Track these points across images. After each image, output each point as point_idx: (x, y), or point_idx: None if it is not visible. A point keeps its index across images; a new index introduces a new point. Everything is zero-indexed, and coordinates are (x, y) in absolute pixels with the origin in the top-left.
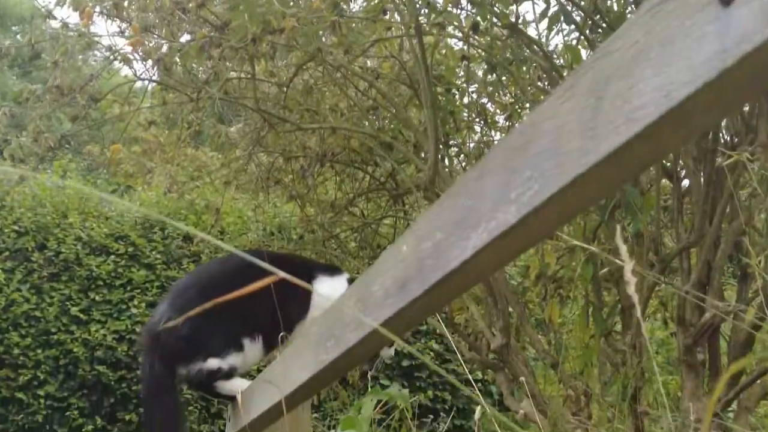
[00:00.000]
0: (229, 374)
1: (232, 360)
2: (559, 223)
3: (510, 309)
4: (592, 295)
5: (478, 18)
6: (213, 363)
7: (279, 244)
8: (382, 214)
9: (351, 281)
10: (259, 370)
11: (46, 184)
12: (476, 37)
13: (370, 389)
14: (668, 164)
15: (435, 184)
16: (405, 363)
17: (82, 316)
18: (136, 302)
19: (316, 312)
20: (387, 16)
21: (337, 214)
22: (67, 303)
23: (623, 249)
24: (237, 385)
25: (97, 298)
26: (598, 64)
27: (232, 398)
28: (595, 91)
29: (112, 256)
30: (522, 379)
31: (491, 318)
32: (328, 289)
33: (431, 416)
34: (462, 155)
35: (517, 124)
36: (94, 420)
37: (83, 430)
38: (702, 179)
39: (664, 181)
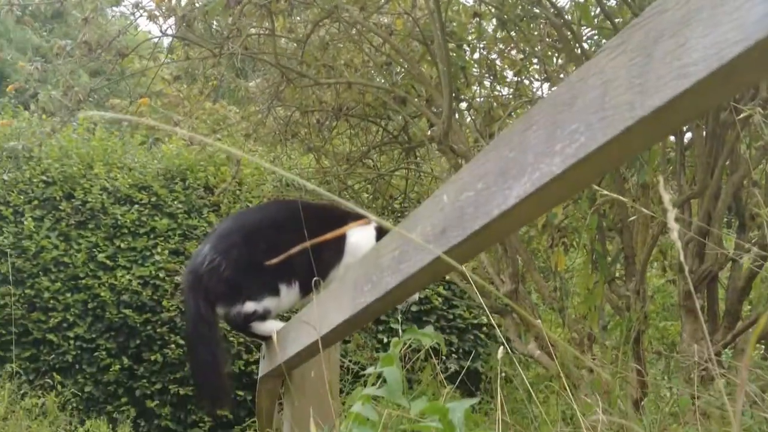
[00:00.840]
0: (264, 316)
1: (268, 303)
2: (602, 173)
3: (517, 256)
4: (597, 244)
5: None
6: (250, 306)
7: (295, 195)
8: (394, 166)
9: (378, 230)
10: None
11: (72, 136)
12: None
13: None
14: None
15: (449, 137)
16: (414, 308)
17: (108, 262)
18: (159, 249)
19: (349, 258)
20: None
21: (351, 166)
22: (94, 250)
23: (666, 198)
24: (271, 327)
25: (122, 245)
26: (649, 22)
27: (266, 338)
28: (646, 48)
29: (136, 206)
30: (538, 322)
31: (499, 265)
32: (359, 237)
33: (443, 357)
34: (472, 109)
35: (559, 84)
36: (121, 360)
37: (111, 369)
38: (705, 133)
39: None
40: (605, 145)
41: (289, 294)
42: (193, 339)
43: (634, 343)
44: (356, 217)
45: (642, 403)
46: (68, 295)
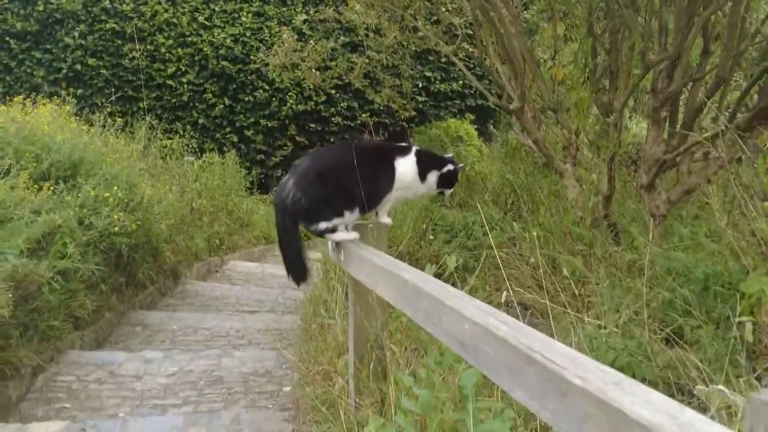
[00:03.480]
0: (333, 230)
1: (336, 221)
2: None
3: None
4: (589, 60)
5: None
6: (323, 225)
7: None
8: None
9: (417, 154)
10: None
11: None
12: None
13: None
14: None
15: None
16: (443, 59)
17: (206, 22)
18: (244, 12)
19: (398, 185)
20: None
21: None
22: (195, 13)
23: None
24: (340, 236)
25: (216, 8)
26: None
27: (337, 242)
28: None
29: None
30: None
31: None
32: (403, 168)
33: (459, 100)
34: None
35: None
36: (223, 100)
37: (216, 107)
38: None
39: None
40: None
41: (351, 215)
42: (283, 244)
43: (610, 161)
44: (400, 150)
45: (611, 198)
46: (179, 49)
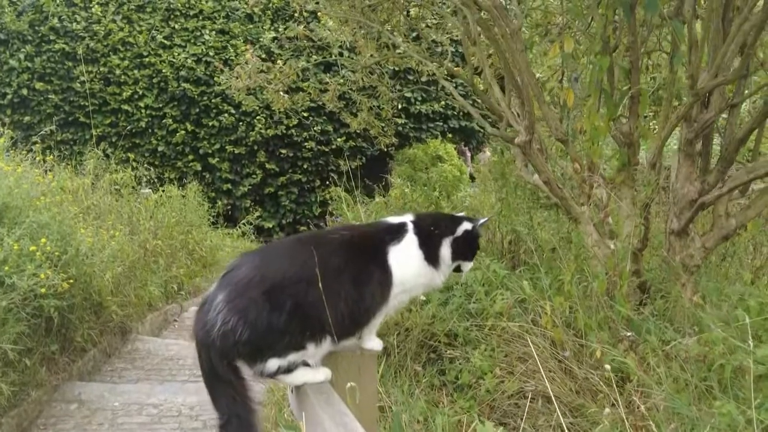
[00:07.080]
0: (289, 369)
1: (293, 358)
2: None
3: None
4: (606, 83)
5: None
6: (273, 364)
7: None
8: None
9: (417, 227)
10: None
11: None
12: None
13: None
14: None
15: None
16: (424, 79)
17: (166, 42)
18: (207, 30)
19: (398, 289)
20: None
21: None
22: (153, 31)
23: None
24: (300, 378)
25: (176, 26)
26: None
27: (296, 386)
28: None
29: None
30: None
31: (510, 98)
32: (401, 263)
33: (441, 122)
34: None
35: None
36: (184, 125)
37: (177, 133)
38: None
39: None
40: None
41: (317, 350)
42: (213, 394)
43: (646, 210)
44: (391, 234)
45: (643, 252)
46: (136, 71)
